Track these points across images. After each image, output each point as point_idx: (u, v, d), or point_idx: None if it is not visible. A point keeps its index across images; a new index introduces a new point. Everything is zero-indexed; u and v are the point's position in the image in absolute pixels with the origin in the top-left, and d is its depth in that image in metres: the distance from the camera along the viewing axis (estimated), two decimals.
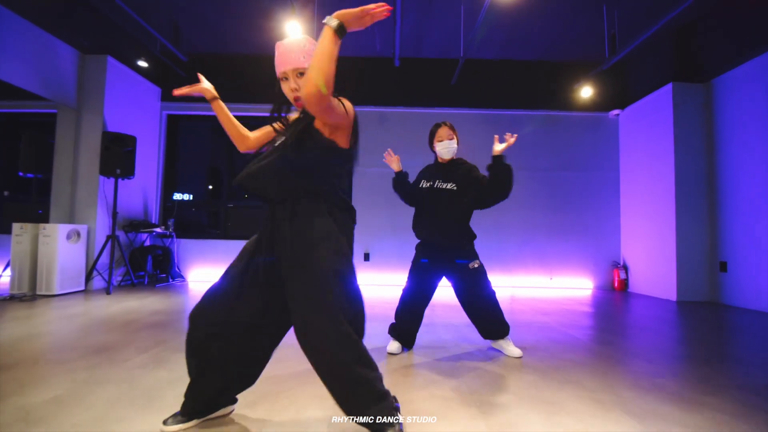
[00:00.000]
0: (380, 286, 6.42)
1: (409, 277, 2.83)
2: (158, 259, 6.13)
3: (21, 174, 5.29)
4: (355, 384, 1.38)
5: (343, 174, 1.64)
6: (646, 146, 6.17)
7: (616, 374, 2.42)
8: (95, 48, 5.54)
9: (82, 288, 5.21)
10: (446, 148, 2.78)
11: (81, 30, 5.35)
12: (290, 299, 1.44)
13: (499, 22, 5.52)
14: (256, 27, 5.88)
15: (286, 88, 1.58)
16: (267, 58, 6.24)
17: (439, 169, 2.86)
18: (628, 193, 6.61)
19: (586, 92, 6.18)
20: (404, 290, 2.83)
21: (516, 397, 2.02)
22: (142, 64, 6.13)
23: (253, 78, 6.59)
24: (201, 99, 5.85)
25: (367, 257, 6.62)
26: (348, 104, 1.55)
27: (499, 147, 2.76)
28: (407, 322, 2.79)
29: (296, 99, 1.56)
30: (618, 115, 6.81)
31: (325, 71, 1.26)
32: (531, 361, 2.63)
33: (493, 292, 2.77)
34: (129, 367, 2.36)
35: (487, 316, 2.74)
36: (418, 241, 2.90)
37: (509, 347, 2.76)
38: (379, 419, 1.36)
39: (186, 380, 1.64)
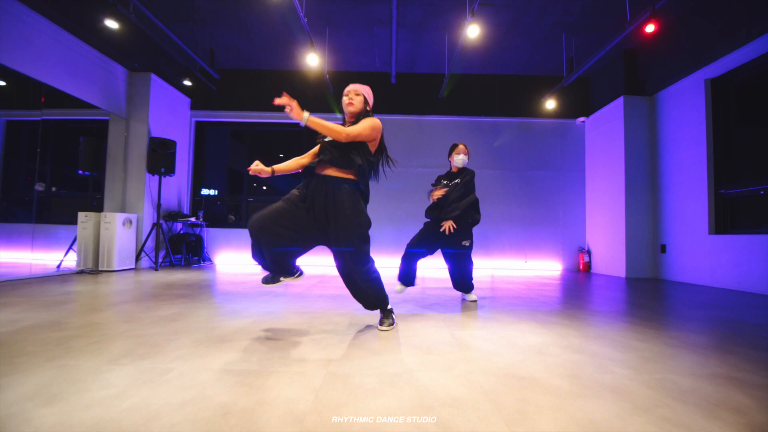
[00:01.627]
0: (380, 268, 7.52)
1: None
2: (191, 244, 7.23)
3: (80, 172, 6.40)
4: (376, 284, 2.61)
5: (367, 170, 2.57)
6: (604, 149, 7.29)
7: (542, 310, 3.54)
8: (142, 67, 6.64)
9: (133, 266, 6.32)
10: (461, 159, 3.85)
11: (130, 52, 6.45)
12: (334, 235, 2.44)
13: (476, 50, 6.63)
14: (274, 50, 7.01)
15: (345, 100, 2.61)
16: (285, 74, 7.40)
17: (452, 175, 3.93)
18: (592, 189, 7.73)
19: (550, 104, 7.30)
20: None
21: (476, 320, 3.14)
22: (187, 83, 7.25)
23: (273, 89, 7.70)
24: (225, 107, 6.99)
25: None
26: (376, 124, 2.56)
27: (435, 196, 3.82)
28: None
29: (348, 105, 2.60)
30: (584, 121, 7.93)
31: (333, 132, 2.34)
32: (489, 304, 3.75)
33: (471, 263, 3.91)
34: (209, 304, 3.47)
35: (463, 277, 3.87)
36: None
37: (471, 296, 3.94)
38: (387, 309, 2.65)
39: (251, 306, 2.74)
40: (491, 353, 2.16)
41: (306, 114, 2.21)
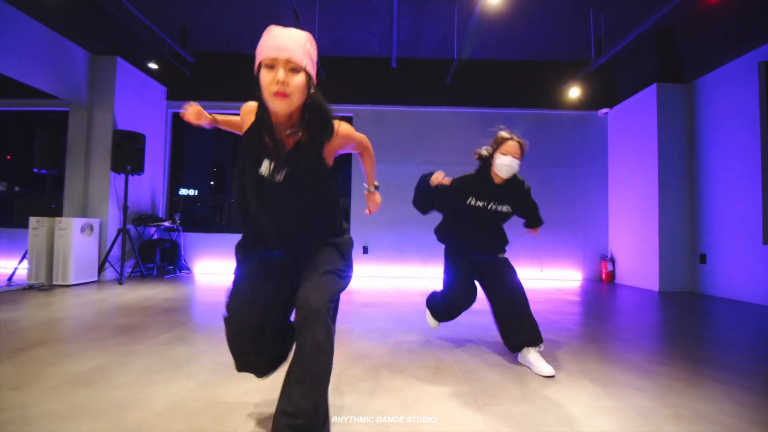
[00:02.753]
0: (378, 277, 6.71)
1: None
2: (166, 251, 6.41)
3: (35, 170, 5.56)
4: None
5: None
6: (632, 144, 6.46)
7: (585, 350, 2.72)
8: (105, 50, 5.79)
9: (95, 279, 5.50)
10: (508, 165, 2.41)
11: (92, 33, 5.60)
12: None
13: (491, 25, 5.79)
14: (258, 29, 6.13)
15: (269, 77, 1.31)
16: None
17: (493, 188, 2.52)
18: (615, 189, 6.90)
19: (574, 92, 6.46)
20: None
21: (493, 369, 2.32)
22: (152, 66, 6.40)
23: (251, 76, 6.86)
24: (206, 98, 6.14)
25: (365, 250, 6.91)
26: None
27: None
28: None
29: (279, 93, 1.29)
30: (607, 113, 7.10)
31: None
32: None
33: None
34: (154, 344, 2.64)
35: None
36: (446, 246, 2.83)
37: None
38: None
39: (204, 354, 1.92)
40: None
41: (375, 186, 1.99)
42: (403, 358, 2.49)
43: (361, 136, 1.64)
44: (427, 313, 2.98)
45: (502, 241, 2.72)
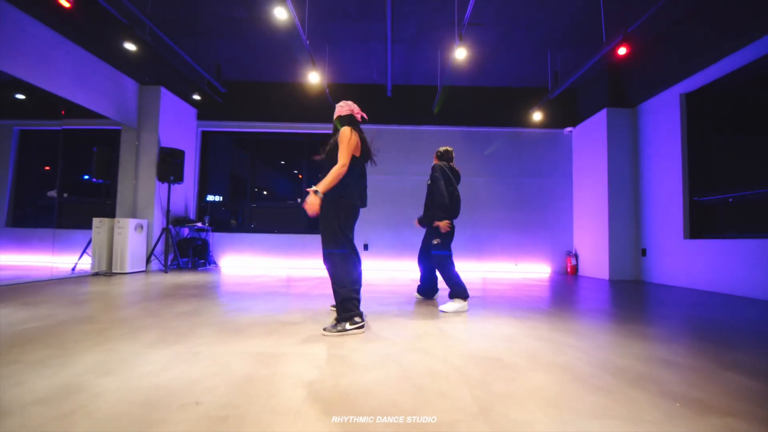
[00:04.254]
0: (377, 271, 7.91)
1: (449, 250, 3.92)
2: (198, 248, 7.61)
3: (94, 180, 6.78)
4: (332, 277, 2.85)
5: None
6: (590, 158, 7.70)
7: (520, 307, 3.92)
8: (151, 81, 7.03)
9: (144, 269, 6.69)
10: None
11: (142, 68, 6.85)
12: None
13: (469, 58, 7.04)
14: (279, 63, 7.42)
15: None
16: (287, 86, 7.81)
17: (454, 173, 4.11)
18: (578, 195, 8.13)
19: (537, 116, 7.71)
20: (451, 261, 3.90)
21: (460, 315, 3.53)
22: (196, 97, 7.67)
23: (274, 101, 8.15)
24: (231, 118, 7.42)
25: (366, 247, 8.11)
26: (345, 136, 2.80)
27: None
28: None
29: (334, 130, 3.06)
30: (571, 131, 8.34)
31: (338, 174, 2.73)
32: (474, 303, 4.14)
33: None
34: (221, 302, 3.85)
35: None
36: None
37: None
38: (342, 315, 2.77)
39: (255, 307, 3.12)
40: (467, 341, 2.54)
41: (318, 193, 2.64)
42: (391, 309, 3.68)
43: (343, 146, 2.79)
44: (455, 303, 3.65)
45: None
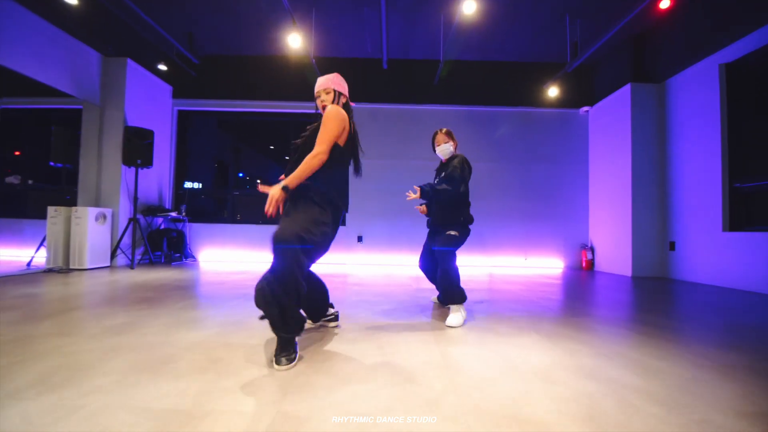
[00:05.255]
0: (372, 265, 7.15)
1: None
2: (173, 240, 6.84)
3: (51, 164, 5.99)
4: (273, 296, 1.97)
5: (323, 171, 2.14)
6: (609, 140, 6.89)
7: (544, 316, 3.16)
8: (116, 52, 6.21)
9: (108, 264, 5.93)
10: (442, 150, 3.23)
11: (104, 36, 6.02)
12: None
13: (475, 30, 6.21)
14: (258, 34, 6.58)
15: (318, 102, 2.35)
16: (271, 59, 6.96)
17: (441, 166, 3.32)
18: (595, 183, 7.34)
19: (552, 92, 6.87)
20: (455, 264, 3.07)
21: (471, 330, 2.76)
22: (162, 67, 6.82)
23: (258, 77, 7.32)
24: (209, 96, 6.59)
25: (360, 239, 7.34)
26: (333, 114, 2.15)
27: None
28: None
29: (322, 107, 2.29)
30: (587, 111, 7.52)
31: (311, 166, 2.06)
32: (483, 308, 3.37)
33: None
34: (172, 309, 3.08)
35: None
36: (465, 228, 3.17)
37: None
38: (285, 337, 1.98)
39: (215, 316, 2.35)
40: (487, 380, 1.78)
41: (285, 186, 2.00)
42: (383, 319, 2.92)
43: (327, 127, 2.12)
44: (461, 312, 2.92)
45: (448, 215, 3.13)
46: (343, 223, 7.34)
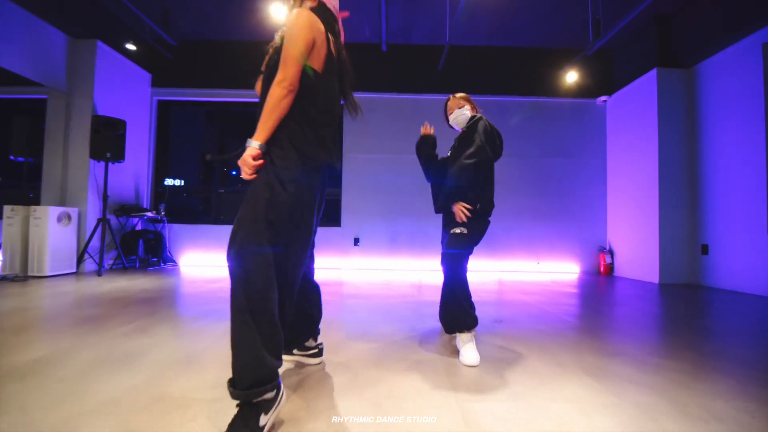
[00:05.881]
0: (369, 270, 6.51)
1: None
2: (150, 243, 6.19)
3: (12, 158, 5.34)
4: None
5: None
6: (631, 132, 6.24)
7: (581, 342, 2.51)
8: (85, 33, 5.55)
9: (74, 270, 5.28)
10: (457, 117, 2.53)
11: (71, 15, 5.37)
12: None
13: (484, 10, 5.56)
14: (245, 15, 5.92)
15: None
16: (256, 45, 6.28)
17: (460, 140, 2.49)
18: (614, 179, 6.69)
19: (571, 77, 6.23)
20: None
21: (496, 369, 2.12)
22: (130, 47, 6.15)
23: (240, 64, 6.66)
24: (191, 85, 5.92)
25: (356, 242, 6.70)
26: (299, 22, 1.45)
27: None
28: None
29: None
30: (605, 101, 6.87)
31: (276, 102, 1.40)
32: (503, 330, 2.73)
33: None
34: (111, 335, 2.43)
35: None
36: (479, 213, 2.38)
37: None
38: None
39: (163, 346, 1.72)
40: None
41: (255, 143, 1.42)
42: (381, 350, 2.28)
43: (287, 43, 1.43)
44: (471, 343, 2.21)
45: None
46: (338, 224, 6.70)
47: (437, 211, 2.53)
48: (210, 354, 2.11)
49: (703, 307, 3.89)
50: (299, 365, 1.98)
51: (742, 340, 2.64)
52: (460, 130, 2.54)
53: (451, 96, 2.61)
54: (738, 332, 2.86)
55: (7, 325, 2.59)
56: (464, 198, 2.28)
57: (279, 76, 1.40)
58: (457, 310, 2.25)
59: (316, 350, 2.01)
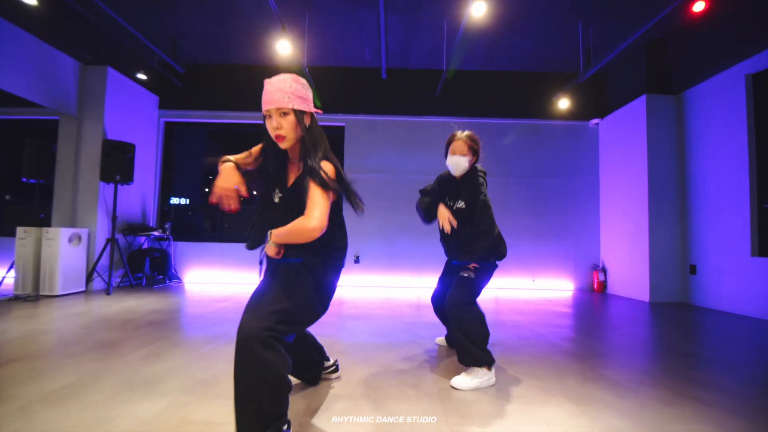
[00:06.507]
0: (369, 287, 6.69)
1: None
2: (156, 261, 6.38)
3: (24, 179, 5.54)
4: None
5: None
6: (622, 154, 6.47)
7: (567, 367, 2.69)
8: (96, 59, 5.78)
9: (83, 289, 5.46)
10: (455, 164, 2.57)
11: (82, 43, 5.60)
12: None
13: (481, 37, 5.81)
14: (248, 41, 6.17)
15: (269, 125, 1.62)
16: (258, 69, 6.54)
17: (453, 184, 2.66)
18: (606, 199, 6.90)
19: (563, 104, 6.46)
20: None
21: (486, 395, 2.30)
22: (141, 76, 6.40)
23: (244, 87, 6.91)
24: (197, 107, 6.14)
25: (357, 260, 6.88)
26: (331, 172, 1.66)
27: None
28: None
29: (277, 137, 1.62)
30: (598, 124, 7.11)
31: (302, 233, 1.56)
32: (497, 353, 2.91)
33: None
34: (130, 360, 2.62)
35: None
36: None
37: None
38: None
39: (180, 371, 1.90)
40: None
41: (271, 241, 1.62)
42: (378, 375, 2.46)
43: (320, 197, 1.57)
44: (480, 378, 2.29)
45: (474, 247, 2.49)
46: None
47: (451, 259, 2.81)
48: (224, 377, 2.29)
49: (688, 330, 4.07)
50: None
51: (722, 366, 2.83)
52: (455, 174, 2.63)
53: (457, 134, 2.62)
54: (719, 359, 3.04)
55: (30, 351, 2.77)
56: (497, 251, 2.60)
57: (313, 219, 1.52)
58: (470, 348, 2.32)
59: (333, 367, 2.35)
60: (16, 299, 4.78)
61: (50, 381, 2.21)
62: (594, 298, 6.06)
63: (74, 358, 2.61)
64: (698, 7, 3.72)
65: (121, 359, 2.62)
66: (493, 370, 2.36)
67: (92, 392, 2.06)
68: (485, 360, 2.32)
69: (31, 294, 4.98)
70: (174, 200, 7.35)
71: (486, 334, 2.40)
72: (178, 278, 6.77)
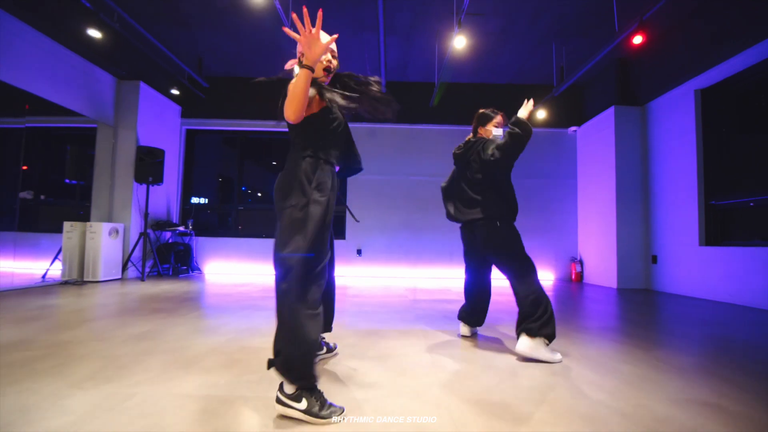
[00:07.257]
0: (371, 277, 7.47)
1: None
2: (180, 253, 7.15)
3: (67, 181, 6.33)
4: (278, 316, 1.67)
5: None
6: (596, 159, 7.27)
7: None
8: (129, 75, 6.57)
9: (119, 276, 6.23)
10: (500, 136, 2.78)
11: (118, 60, 6.39)
12: None
13: (468, 55, 6.60)
14: (267, 57, 6.97)
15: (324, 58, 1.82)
16: (276, 80, 7.28)
17: (464, 151, 2.94)
18: (583, 198, 7.70)
19: (540, 114, 7.27)
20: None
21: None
22: (174, 92, 7.20)
23: (263, 97, 7.69)
24: (216, 116, 6.93)
25: (359, 252, 7.67)
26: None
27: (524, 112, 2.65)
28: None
29: (326, 69, 1.84)
30: (575, 131, 7.91)
31: (296, 108, 1.58)
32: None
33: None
34: (188, 318, 3.40)
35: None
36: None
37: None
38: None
39: (228, 324, 2.67)
40: (466, 376, 2.10)
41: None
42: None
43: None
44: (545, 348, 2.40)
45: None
46: (343, 237, 7.67)
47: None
48: (263, 327, 3.07)
49: (648, 309, 4.85)
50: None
51: (675, 337, 3.61)
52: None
53: (491, 111, 3.01)
54: (672, 331, 3.82)
55: (103, 313, 3.55)
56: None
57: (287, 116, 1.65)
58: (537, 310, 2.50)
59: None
60: (65, 284, 5.55)
61: (135, 328, 2.99)
62: (571, 287, 6.83)
63: (143, 317, 3.39)
64: (637, 40, 4.49)
65: (181, 317, 3.41)
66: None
67: (168, 335, 2.84)
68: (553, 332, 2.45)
69: (78, 279, 5.75)
70: (194, 200, 8.14)
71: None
72: (199, 269, 7.56)
